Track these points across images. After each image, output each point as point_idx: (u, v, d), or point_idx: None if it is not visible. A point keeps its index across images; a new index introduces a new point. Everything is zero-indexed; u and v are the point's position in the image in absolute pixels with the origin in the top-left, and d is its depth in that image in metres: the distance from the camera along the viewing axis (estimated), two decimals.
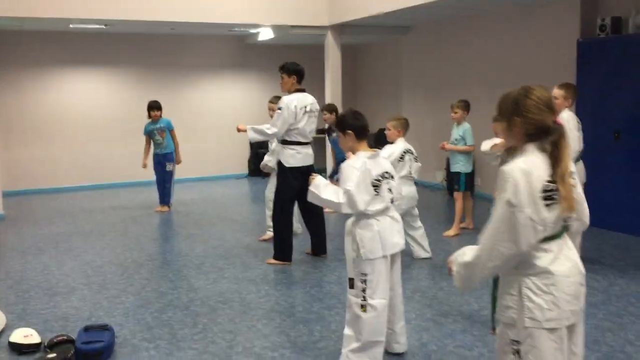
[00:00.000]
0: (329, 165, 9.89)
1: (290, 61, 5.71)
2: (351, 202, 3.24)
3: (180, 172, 9.06)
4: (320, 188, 3.34)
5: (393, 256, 3.41)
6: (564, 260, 2.18)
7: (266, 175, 7.23)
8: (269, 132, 5.55)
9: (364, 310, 3.28)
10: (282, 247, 5.69)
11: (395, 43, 11.24)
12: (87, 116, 10.80)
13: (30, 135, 10.44)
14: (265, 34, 10.54)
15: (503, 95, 2.27)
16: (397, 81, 11.16)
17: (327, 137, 8.72)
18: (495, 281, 2.37)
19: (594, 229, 5.31)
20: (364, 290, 3.28)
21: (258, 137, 5.66)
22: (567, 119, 4.91)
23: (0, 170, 8.66)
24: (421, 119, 9.94)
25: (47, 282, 5.29)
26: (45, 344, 3.80)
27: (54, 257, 6.13)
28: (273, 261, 5.71)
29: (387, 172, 3.38)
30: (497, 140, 4.93)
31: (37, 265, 5.84)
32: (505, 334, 2.24)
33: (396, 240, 3.38)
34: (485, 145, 5.07)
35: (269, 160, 6.48)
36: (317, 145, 7.07)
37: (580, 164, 5.12)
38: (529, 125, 2.17)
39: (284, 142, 5.61)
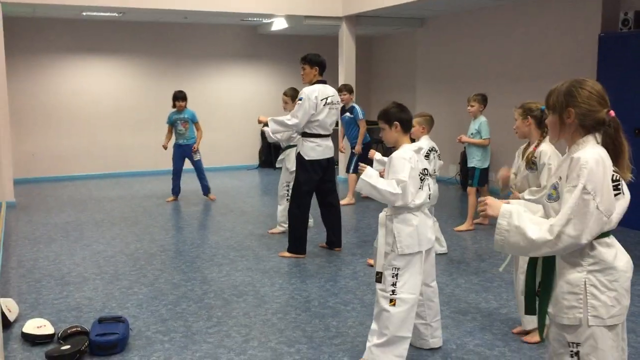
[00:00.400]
0: (341, 159, 9.80)
1: (312, 52, 5.63)
2: (404, 193, 3.23)
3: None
4: (374, 178, 3.30)
5: (427, 251, 3.41)
6: (622, 255, 2.17)
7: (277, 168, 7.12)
8: (290, 122, 5.45)
9: (393, 304, 3.23)
10: (297, 240, 5.61)
11: (410, 35, 11.12)
12: (98, 104, 10.75)
13: (41, 123, 10.39)
14: (279, 24, 10.44)
15: (551, 90, 2.26)
16: (411, 73, 11.03)
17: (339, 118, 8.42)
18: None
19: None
20: (394, 285, 3.24)
21: (279, 129, 5.56)
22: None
23: (11, 157, 8.63)
24: (436, 112, 9.67)
25: (59, 272, 5.25)
26: (59, 335, 3.75)
27: (65, 246, 6.09)
28: (287, 254, 5.64)
29: (426, 169, 3.40)
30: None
31: (49, 254, 5.80)
32: (560, 336, 2.17)
33: (430, 236, 3.40)
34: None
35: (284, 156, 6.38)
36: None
37: None
38: (584, 116, 2.15)
39: (304, 135, 5.52)
